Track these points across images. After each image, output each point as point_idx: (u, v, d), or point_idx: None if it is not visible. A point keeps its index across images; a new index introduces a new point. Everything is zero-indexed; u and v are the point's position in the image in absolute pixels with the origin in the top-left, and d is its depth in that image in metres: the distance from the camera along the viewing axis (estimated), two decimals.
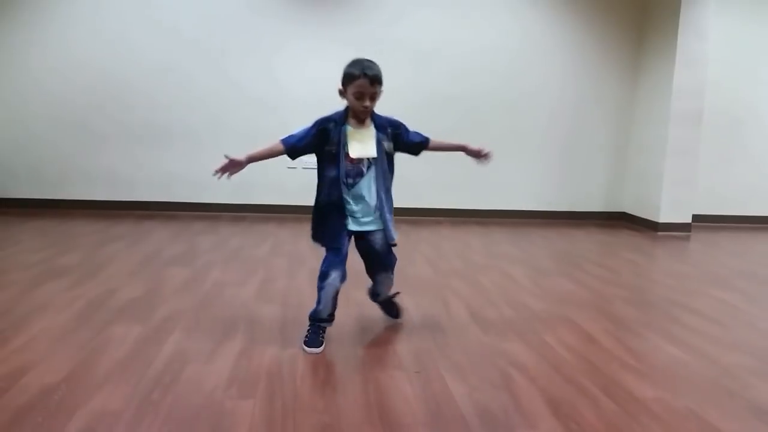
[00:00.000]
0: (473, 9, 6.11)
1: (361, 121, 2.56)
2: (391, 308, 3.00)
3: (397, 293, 3.00)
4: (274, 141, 2.60)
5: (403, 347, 2.65)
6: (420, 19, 6.04)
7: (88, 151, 5.88)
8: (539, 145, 6.39)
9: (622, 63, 6.42)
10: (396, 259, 2.80)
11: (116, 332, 2.68)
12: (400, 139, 2.67)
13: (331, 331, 2.78)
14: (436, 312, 3.17)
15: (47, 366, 2.30)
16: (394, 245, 2.73)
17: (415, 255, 4.50)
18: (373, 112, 2.58)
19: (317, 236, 2.63)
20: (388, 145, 2.61)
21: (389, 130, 2.62)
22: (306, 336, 2.61)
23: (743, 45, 6.47)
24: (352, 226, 2.59)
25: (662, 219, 6.00)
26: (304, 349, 2.56)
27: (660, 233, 5.94)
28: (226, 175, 2.55)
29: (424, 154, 2.82)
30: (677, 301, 3.58)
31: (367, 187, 2.57)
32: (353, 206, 2.57)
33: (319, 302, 2.61)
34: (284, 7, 5.89)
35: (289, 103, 5.95)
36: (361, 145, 2.54)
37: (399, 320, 2.99)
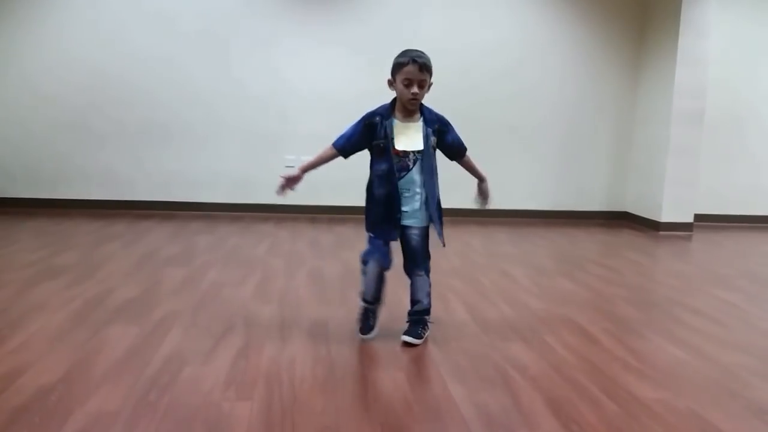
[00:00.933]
0: (473, 6, 6.09)
1: (409, 114, 2.55)
2: (416, 327, 2.71)
3: (431, 322, 2.79)
4: (325, 146, 2.63)
5: (402, 348, 2.62)
6: (420, 16, 6.02)
7: (85, 150, 5.86)
8: (540, 144, 6.38)
9: (623, 61, 6.40)
10: (429, 259, 2.72)
11: (113, 332, 2.66)
12: (443, 137, 2.65)
13: (330, 331, 2.78)
14: (436, 312, 3.14)
15: (44, 366, 2.28)
16: (443, 245, 2.69)
17: None
18: (422, 105, 2.58)
19: (369, 227, 2.67)
20: (434, 140, 2.59)
21: (437, 126, 2.61)
22: (359, 322, 2.73)
23: (745, 44, 6.45)
24: (403, 221, 2.59)
25: (664, 218, 5.98)
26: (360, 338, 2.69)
27: (662, 233, 5.93)
28: (287, 191, 2.62)
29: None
30: (679, 301, 3.56)
31: (413, 181, 2.56)
32: (401, 204, 2.57)
33: (361, 285, 2.73)
34: (284, 5, 5.87)
35: (290, 102, 5.94)
36: (407, 138, 2.53)
37: (415, 341, 2.66)
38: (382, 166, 2.55)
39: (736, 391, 2.30)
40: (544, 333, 2.88)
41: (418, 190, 2.58)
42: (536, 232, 5.72)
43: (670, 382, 2.36)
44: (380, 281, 2.70)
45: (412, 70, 2.45)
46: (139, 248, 4.35)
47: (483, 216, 6.29)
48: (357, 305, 2.81)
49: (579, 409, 2.09)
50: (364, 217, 2.69)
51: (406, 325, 2.73)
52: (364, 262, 2.68)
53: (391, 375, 2.33)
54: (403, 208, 2.58)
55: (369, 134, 2.56)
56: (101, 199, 5.92)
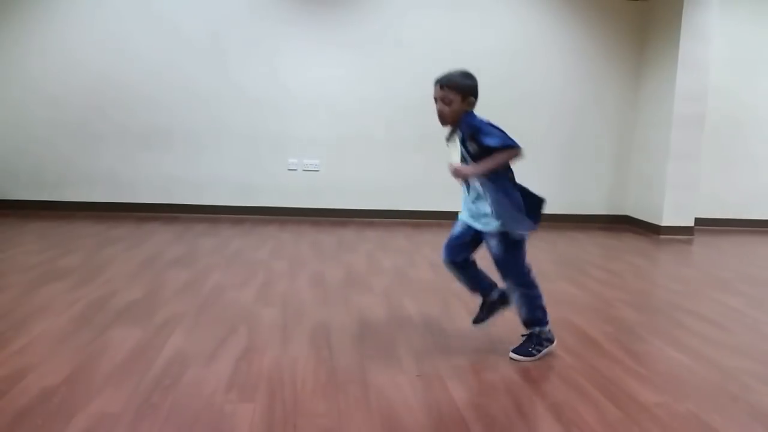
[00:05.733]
0: (474, 11, 6.11)
1: (451, 128, 2.67)
2: (526, 344, 2.68)
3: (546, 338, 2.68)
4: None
5: (405, 350, 2.63)
6: (420, 20, 6.04)
7: (89, 152, 5.88)
8: (541, 147, 6.38)
9: (624, 66, 6.41)
10: (516, 268, 2.66)
11: (116, 335, 2.67)
12: (478, 141, 2.61)
13: (331, 334, 2.79)
14: (438, 315, 3.16)
15: (47, 368, 2.29)
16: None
17: (417, 257, 4.49)
18: (462, 119, 2.63)
19: None
20: (472, 146, 2.62)
21: (469, 133, 2.62)
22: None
23: (746, 48, 6.46)
24: (464, 216, 2.74)
25: (665, 222, 5.98)
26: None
27: (662, 237, 5.93)
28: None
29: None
30: (680, 304, 3.56)
31: (474, 189, 2.67)
32: (468, 203, 2.71)
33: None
34: (285, 9, 5.89)
35: (291, 105, 5.96)
36: (453, 152, 2.67)
37: (521, 358, 2.61)
38: None
39: (737, 395, 2.31)
40: None
41: (481, 198, 2.67)
42: (537, 235, 5.72)
43: (671, 386, 2.37)
44: (464, 272, 2.80)
45: (435, 89, 2.60)
46: (142, 251, 4.36)
47: None
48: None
49: (580, 413, 2.10)
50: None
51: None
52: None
53: (393, 378, 2.34)
54: (470, 212, 2.71)
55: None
56: (104, 202, 5.94)
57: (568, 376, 2.43)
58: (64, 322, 2.82)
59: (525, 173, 6.63)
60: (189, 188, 5.98)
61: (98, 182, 5.92)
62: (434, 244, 5.08)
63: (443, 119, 2.63)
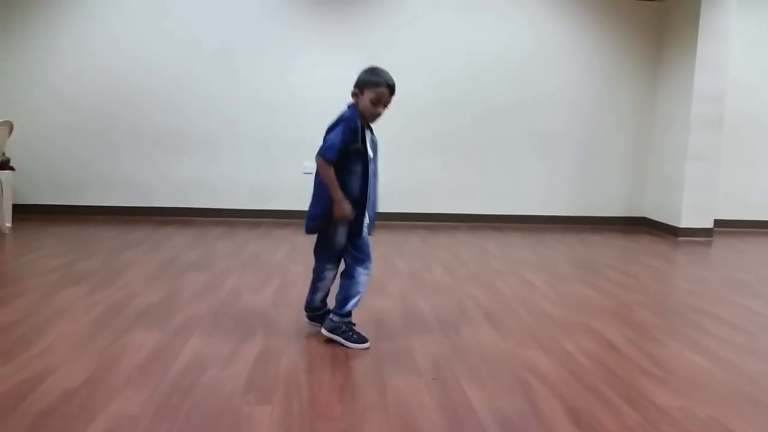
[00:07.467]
0: (487, 13, 6.10)
1: (367, 124, 2.76)
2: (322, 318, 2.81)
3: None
4: (325, 166, 2.64)
5: (421, 354, 2.63)
6: (434, 22, 6.04)
7: (106, 157, 5.95)
8: (557, 149, 6.35)
9: (642, 66, 6.36)
10: (360, 260, 2.81)
11: (135, 337, 2.70)
12: None
13: None
14: (454, 318, 3.15)
15: (67, 371, 2.32)
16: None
17: (432, 260, 4.48)
18: None
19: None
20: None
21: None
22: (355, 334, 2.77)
23: (765, 48, 6.38)
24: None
25: (683, 224, 5.92)
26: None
27: (681, 238, 5.87)
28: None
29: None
30: (699, 307, 3.52)
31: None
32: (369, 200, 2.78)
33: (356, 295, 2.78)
34: (298, 14, 5.92)
35: (304, 109, 5.97)
36: (372, 145, 2.78)
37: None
38: (359, 169, 2.70)
39: (758, 399, 2.28)
40: (562, 339, 2.87)
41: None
42: (554, 237, 5.69)
43: (690, 390, 2.34)
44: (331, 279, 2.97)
45: (384, 92, 2.64)
46: (160, 254, 4.40)
47: (500, 222, 6.27)
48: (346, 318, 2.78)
49: (598, 417, 2.08)
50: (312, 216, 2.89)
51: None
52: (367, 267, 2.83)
53: (410, 381, 2.34)
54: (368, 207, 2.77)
55: (353, 138, 2.66)
56: (122, 206, 6.00)
57: (586, 379, 2.41)
58: (83, 325, 2.85)
59: (542, 175, 6.65)
60: (205, 192, 6.03)
61: (116, 186, 5.99)
62: (449, 246, 5.07)
63: (376, 121, 2.76)
